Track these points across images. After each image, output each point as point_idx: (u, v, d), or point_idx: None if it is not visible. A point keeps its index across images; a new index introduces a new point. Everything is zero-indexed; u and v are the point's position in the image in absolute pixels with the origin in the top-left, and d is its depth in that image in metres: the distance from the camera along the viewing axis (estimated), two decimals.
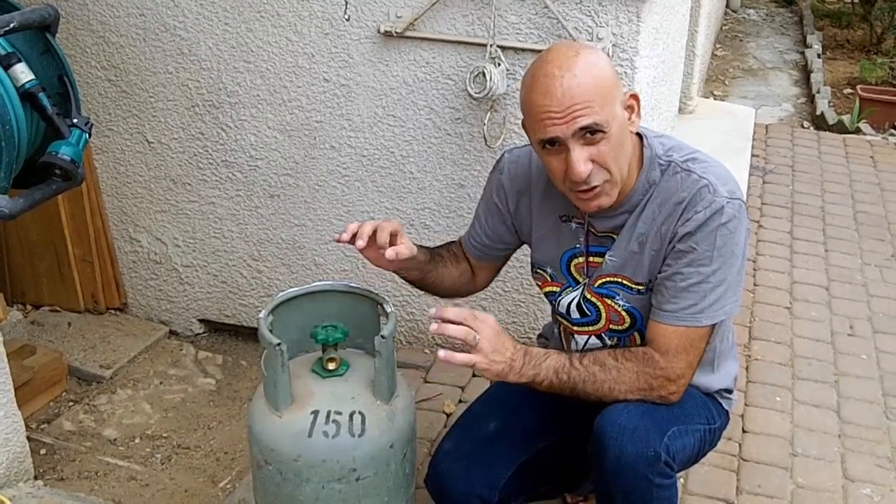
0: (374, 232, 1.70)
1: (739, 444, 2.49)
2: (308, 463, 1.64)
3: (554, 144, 1.56)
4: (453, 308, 1.59)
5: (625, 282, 1.71)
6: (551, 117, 1.52)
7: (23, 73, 2.02)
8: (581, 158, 1.54)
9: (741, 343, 2.97)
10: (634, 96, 1.61)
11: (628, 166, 1.62)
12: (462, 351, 1.57)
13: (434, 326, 1.55)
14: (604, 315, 1.76)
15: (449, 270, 1.92)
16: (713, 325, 1.65)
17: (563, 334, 1.88)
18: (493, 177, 1.88)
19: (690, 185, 1.61)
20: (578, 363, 1.63)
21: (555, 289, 1.83)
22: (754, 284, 3.40)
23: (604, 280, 1.73)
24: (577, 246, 1.76)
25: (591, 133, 1.53)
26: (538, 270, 1.86)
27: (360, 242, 1.68)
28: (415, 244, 1.82)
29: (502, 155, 1.87)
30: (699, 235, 1.59)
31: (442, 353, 1.55)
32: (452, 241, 2.02)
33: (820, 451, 2.49)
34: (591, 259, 1.75)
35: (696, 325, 1.62)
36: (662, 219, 1.63)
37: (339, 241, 1.70)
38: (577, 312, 1.80)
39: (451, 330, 1.55)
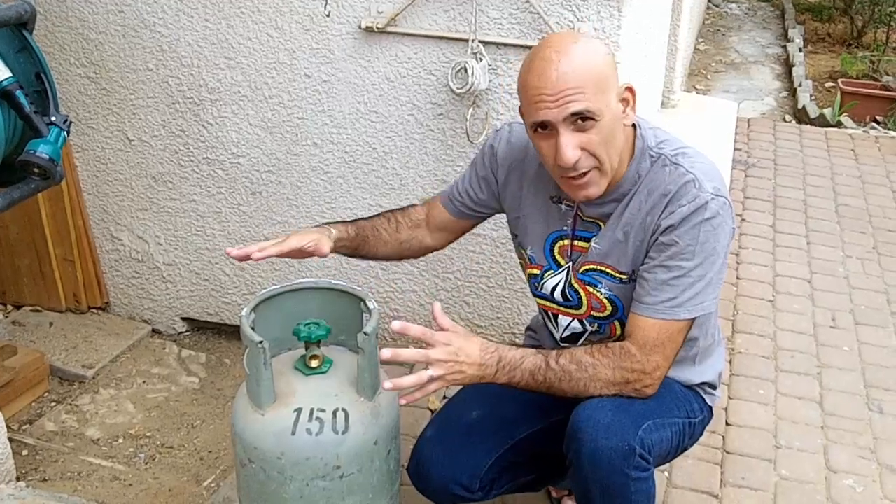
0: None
1: (723, 437, 2.50)
2: (292, 461, 1.63)
3: (545, 128, 1.56)
4: (414, 327, 1.58)
5: (609, 270, 1.72)
6: (544, 100, 1.53)
7: None
8: (570, 144, 1.54)
9: (725, 336, 2.97)
10: (630, 89, 1.61)
11: (619, 157, 1.63)
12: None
13: (387, 354, 1.56)
14: (585, 302, 1.77)
15: (382, 240, 1.92)
16: (692, 320, 1.65)
17: (546, 317, 1.88)
18: (487, 143, 1.87)
19: (677, 178, 1.62)
20: (555, 363, 1.62)
21: (535, 271, 1.83)
22: (737, 278, 3.41)
23: (588, 267, 1.74)
24: (565, 228, 1.77)
25: (581, 119, 1.53)
26: (520, 250, 1.88)
27: (234, 252, 1.69)
28: (338, 223, 1.86)
29: (503, 126, 1.87)
30: (682, 229, 1.59)
31: (403, 400, 1.60)
32: (404, 207, 2.00)
33: (803, 443, 2.51)
34: (576, 243, 1.76)
35: (674, 318, 1.62)
36: (648, 210, 1.64)
37: (232, 255, 1.71)
38: (560, 297, 1.80)
39: (405, 356, 1.58)
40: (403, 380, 1.56)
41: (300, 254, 1.75)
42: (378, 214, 1.97)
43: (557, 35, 1.59)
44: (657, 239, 1.63)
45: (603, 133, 1.55)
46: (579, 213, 1.75)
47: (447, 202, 1.95)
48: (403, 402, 1.61)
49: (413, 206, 2.01)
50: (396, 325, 1.57)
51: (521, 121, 1.68)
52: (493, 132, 1.88)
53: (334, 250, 1.82)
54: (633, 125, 1.68)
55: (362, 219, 1.94)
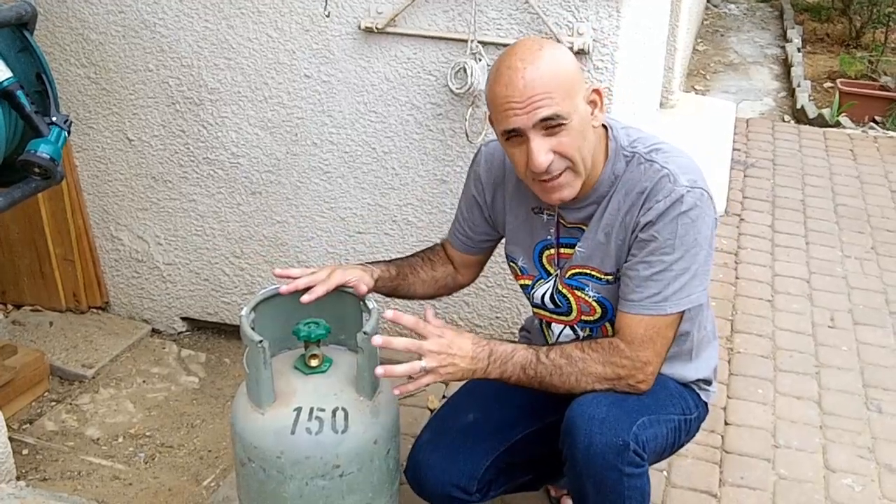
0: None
1: (722, 437, 2.51)
2: (291, 460, 1.64)
3: (516, 135, 1.58)
4: (407, 316, 1.60)
5: (594, 273, 1.73)
6: (513, 107, 1.54)
7: (0, 72, 2.01)
8: (541, 149, 1.56)
9: (723, 336, 2.99)
10: (597, 91, 1.63)
11: (593, 159, 1.64)
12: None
13: (378, 341, 1.57)
14: (574, 307, 1.77)
15: (420, 279, 1.95)
16: (680, 314, 1.66)
17: (542, 324, 1.90)
18: (471, 170, 1.90)
19: (652, 175, 1.63)
20: (545, 357, 1.64)
21: (527, 282, 1.85)
22: (736, 277, 3.42)
23: (574, 271, 1.75)
24: (549, 237, 1.78)
25: (551, 124, 1.55)
26: (511, 264, 1.88)
27: (284, 288, 1.72)
28: (379, 263, 1.88)
29: (480, 148, 1.90)
30: (660, 224, 1.60)
31: (396, 390, 1.62)
32: (433, 246, 2.04)
33: (801, 443, 2.51)
34: (561, 250, 1.77)
35: (661, 313, 1.63)
36: (626, 209, 1.65)
37: (276, 275, 1.75)
38: (551, 303, 1.81)
39: (397, 343, 1.58)
40: (395, 368, 1.57)
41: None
42: (412, 255, 2.00)
43: (521, 43, 1.60)
44: (637, 236, 1.64)
45: (573, 135, 1.57)
46: (561, 221, 1.76)
47: (453, 239, 1.98)
48: (397, 392, 1.62)
49: (439, 244, 2.04)
50: (389, 313, 1.60)
51: (494, 138, 1.70)
52: (473, 158, 1.91)
53: (374, 289, 1.83)
54: (606, 127, 1.69)
55: (399, 258, 1.97)
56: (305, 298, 1.69)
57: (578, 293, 1.76)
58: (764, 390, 2.74)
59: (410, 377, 1.60)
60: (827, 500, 2.31)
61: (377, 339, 1.57)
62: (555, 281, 1.79)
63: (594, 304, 1.75)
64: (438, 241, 2.06)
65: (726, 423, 2.57)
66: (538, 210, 1.78)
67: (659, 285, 1.62)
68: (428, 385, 1.61)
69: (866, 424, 2.61)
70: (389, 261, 1.92)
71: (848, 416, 2.64)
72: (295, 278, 1.72)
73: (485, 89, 1.64)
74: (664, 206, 1.59)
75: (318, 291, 1.70)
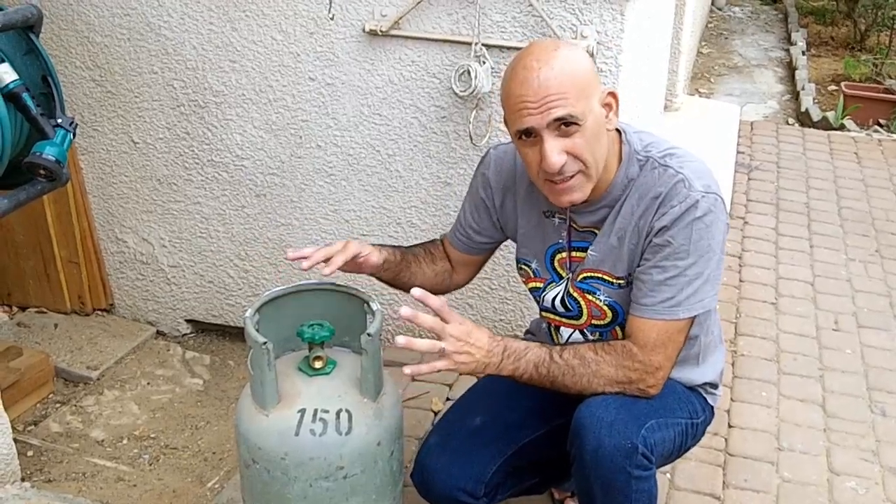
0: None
1: (726, 439, 2.51)
2: (295, 461, 1.64)
3: (530, 135, 1.58)
4: (434, 297, 1.61)
5: (605, 276, 1.73)
6: (527, 107, 1.54)
7: (6, 74, 2.02)
8: (554, 149, 1.55)
9: (727, 339, 2.99)
10: (613, 94, 1.63)
11: (606, 162, 1.64)
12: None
13: (402, 341, 1.56)
14: (585, 310, 1.77)
15: (422, 269, 1.96)
16: (692, 318, 1.66)
17: (550, 328, 1.90)
18: (478, 172, 1.90)
19: (667, 179, 1.63)
20: (558, 357, 1.64)
21: (538, 284, 1.85)
22: (740, 280, 3.42)
23: (586, 275, 1.75)
24: (560, 241, 1.78)
25: (565, 125, 1.55)
26: (522, 266, 1.88)
27: (305, 263, 1.71)
28: (385, 246, 1.88)
29: (488, 151, 1.90)
30: (675, 229, 1.60)
31: (408, 369, 1.59)
32: (433, 240, 2.04)
33: (805, 446, 2.51)
34: (573, 254, 1.77)
35: (674, 318, 1.63)
36: (640, 213, 1.65)
37: (290, 258, 1.74)
38: (561, 307, 1.81)
39: (417, 344, 1.57)
40: (416, 341, 1.56)
41: (354, 265, 1.78)
42: (415, 245, 2.01)
43: (537, 44, 1.60)
44: (651, 241, 1.64)
45: (586, 137, 1.57)
46: (573, 225, 1.76)
47: (454, 239, 1.98)
48: (409, 371, 1.58)
49: (438, 239, 2.04)
50: (417, 292, 1.60)
51: (503, 142, 1.69)
52: (480, 161, 1.91)
53: (380, 270, 1.84)
54: (619, 131, 1.69)
55: (403, 246, 1.98)
56: (326, 270, 1.70)
57: (590, 297, 1.76)
58: (768, 393, 2.74)
59: (414, 373, 1.59)
60: (831, 502, 2.30)
61: (400, 340, 1.55)
62: (566, 284, 1.79)
63: (605, 307, 1.75)
64: (439, 237, 2.06)
65: (730, 426, 2.57)
66: (550, 214, 1.78)
67: (672, 290, 1.62)
68: (440, 370, 1.59)
69: (870, 427, 2.61)
70: (395, 247, 1.93)
71: (852, 419, 2.64)
72: (309, 257, 1.72)
73: (500, 90, 1.64)
74: (679, 211, 1.60)
75: (338, 261, 1.71)
